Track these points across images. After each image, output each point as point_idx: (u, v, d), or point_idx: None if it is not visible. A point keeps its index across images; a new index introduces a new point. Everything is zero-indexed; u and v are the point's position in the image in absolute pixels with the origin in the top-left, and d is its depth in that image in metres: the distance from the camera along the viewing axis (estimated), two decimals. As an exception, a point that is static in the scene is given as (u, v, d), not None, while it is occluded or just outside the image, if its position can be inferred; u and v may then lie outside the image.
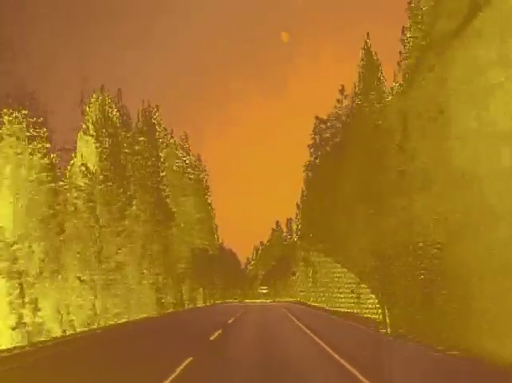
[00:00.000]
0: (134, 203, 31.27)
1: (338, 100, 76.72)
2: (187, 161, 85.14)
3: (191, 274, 55.92)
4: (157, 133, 45.45)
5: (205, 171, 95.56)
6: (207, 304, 63.20)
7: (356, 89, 53.56)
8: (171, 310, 42.15)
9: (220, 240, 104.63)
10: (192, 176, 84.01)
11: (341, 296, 46.17)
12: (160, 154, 42.27)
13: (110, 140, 31.52)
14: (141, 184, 32.63)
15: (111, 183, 29.66)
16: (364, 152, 45.22)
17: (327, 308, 45.24)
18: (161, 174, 38.55)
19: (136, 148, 32.68)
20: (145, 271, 33.12)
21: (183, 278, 53.17)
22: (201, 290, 59.79)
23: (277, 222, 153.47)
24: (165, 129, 49.74)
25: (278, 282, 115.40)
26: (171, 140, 61.26)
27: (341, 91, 73.97)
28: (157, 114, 49.43)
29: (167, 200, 38.85)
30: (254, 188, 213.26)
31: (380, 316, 27.62)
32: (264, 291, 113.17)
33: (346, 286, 46.05)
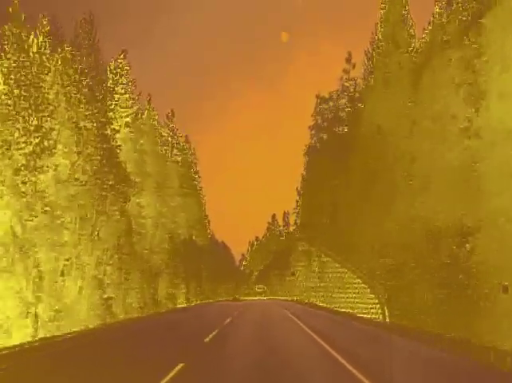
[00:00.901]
0: (57, 150, 19.24)
1: (344, 70, 64.73)
2: (173, 141, 73.40)
3: (172, 267, 44.03)
4: (109, 70, 33.09)
5: (194, 154, 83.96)
6: (192, 304, 51.05)
7: (379, 34, 41.63)
8: (134, 315, 30.09)
9: (214, 234, 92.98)
10: (179, 158, 72.17)
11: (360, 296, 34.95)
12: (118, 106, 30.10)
13: (22, 58, 19.45)
14: (72, 125, 20.57)
15: (14, 116, 17.72)
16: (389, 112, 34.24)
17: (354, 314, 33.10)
18: (109, 114, 26.20)
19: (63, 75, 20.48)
20: (83, 257, 21.07)
21: (158, 272, 41.22)
22: (184, 286, 47.66)
23: (274, 215, 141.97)
24: (132, 81, 37.24)
25: (275, 280, 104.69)
26: (147, 106, 48.94)
27: (348, 59, 61.99)
28: (122, 61, 37.02)
29: (119, 152, 26.46)
30: (249, 183, 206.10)
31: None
32: (260, 290, 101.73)
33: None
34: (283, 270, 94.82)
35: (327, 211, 48.26)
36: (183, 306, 46.20)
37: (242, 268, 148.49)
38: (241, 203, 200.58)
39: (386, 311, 25.70)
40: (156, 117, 50.74)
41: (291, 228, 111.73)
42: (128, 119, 36.61)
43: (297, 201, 74.66)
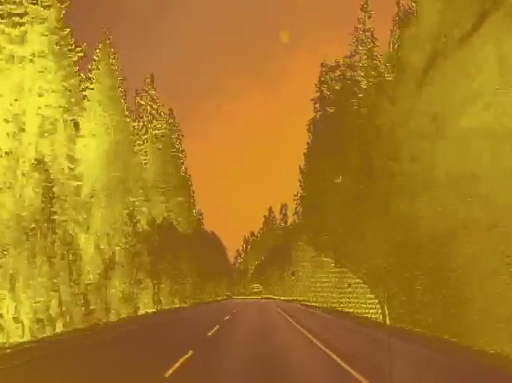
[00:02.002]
0: None
1: (359, 20, 52.33)
2: (152, 110, 59.32)
3: (132, 256, 29.58)
4: None
5: (180, 131, 69.71)
6: (165, 307, 36.41)
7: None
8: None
9: (203, 223, 78.78)
10: (159, 131, 58.01)
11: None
12: None
13: None
14: None
15: None
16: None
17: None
18: None
19: None
20: None
21: (109, 263, 26.93)
22: (151, 284, 33.13)
23: (270, 208, 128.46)
24: None
25: (273, 278, 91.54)
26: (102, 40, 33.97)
27: (363, 8, 49.86)
28: None
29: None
30: (245, 180, 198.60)
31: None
32: (256, 290, 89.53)
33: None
34: (282, 266, 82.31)
35: (335, 192, 39.40)
36: (150, 311, 31.61)
37: (237, 265, 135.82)
38: (236, 198, 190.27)
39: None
40: (117, 56, 36.16)
41: (290, 220, 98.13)
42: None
43: (300, 181, 60.61)
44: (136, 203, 35.52)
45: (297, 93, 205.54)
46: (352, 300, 33.27)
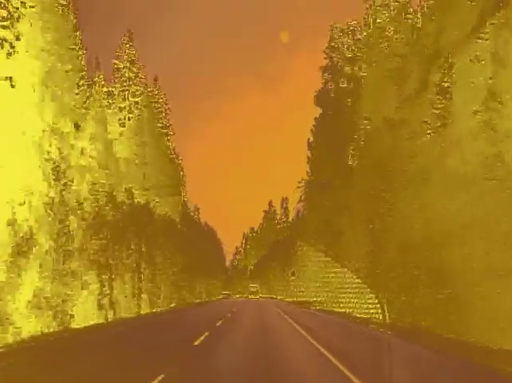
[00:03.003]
0: None
1: None
2: (130, 74, 48.42)
3: (63, 238, 18.40)
4: None
5: (166, 104, 58.77)
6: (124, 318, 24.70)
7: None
8: None
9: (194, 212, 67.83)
10: (139, 99, 47.08)
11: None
12: None
13: None
14: None
15: None
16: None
17: None
18: None
19: None
20: None
21: (20, 249, 15.93)
22: (96, 280, 21.69)
23: (270, 202, 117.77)
24: None
25: (273, 276, 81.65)
26: None
27: None
28: None
29: None
30: (245, 177, 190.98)
31: None
32: (253, 289, 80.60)
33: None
34: (282, 263, 72.73)
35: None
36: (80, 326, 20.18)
37: (236, 263, 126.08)
38: (236, 198, 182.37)
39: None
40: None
41: (292, 214, 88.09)
42: None
43: (308, 157, 49.75)
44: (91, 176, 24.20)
45: (297, 93, 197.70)
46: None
